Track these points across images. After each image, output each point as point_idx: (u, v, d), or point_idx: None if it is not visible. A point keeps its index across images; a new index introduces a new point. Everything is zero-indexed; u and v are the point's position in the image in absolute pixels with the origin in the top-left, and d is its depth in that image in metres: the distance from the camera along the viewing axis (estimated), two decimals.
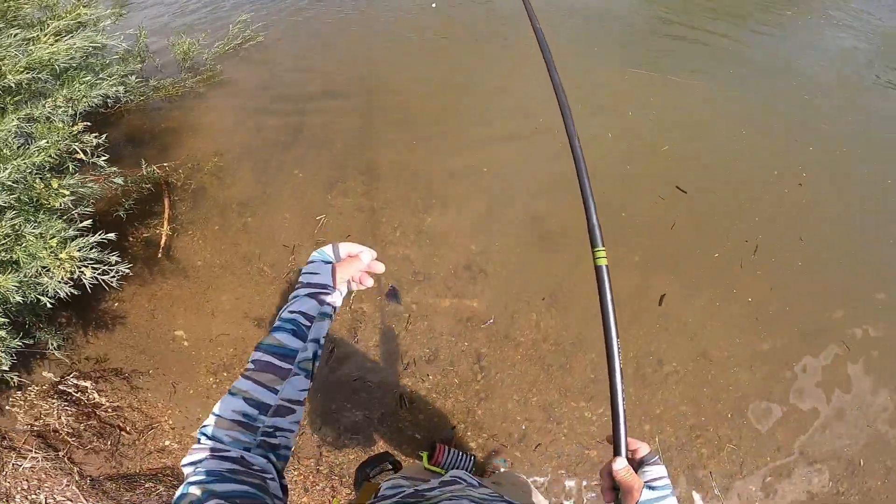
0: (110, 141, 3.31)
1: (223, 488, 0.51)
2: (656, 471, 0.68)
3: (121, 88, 2.46)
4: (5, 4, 2.19)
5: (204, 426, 0.61)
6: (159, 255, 2.69)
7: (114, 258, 1.99)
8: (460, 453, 1.24)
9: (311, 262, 0.78)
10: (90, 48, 2.27)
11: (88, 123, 2.20)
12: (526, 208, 3.08)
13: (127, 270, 2.02)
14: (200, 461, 0.56)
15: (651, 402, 2.46)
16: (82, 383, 2.27)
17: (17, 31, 2.01)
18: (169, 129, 3.52)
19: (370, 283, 0.81)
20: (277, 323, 0.70)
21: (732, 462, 2.36)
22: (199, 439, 0.61)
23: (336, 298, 0.76)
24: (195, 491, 0.50)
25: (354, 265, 0.78)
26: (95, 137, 2.12)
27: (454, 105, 3.88)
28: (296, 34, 4.94)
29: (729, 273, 2.95)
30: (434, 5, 5.58)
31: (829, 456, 2.43)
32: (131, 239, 2.77)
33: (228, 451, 0.58)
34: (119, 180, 2.27)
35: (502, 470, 2.23)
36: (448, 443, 2.18)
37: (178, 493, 0.52)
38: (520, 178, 3.26)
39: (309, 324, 0.70)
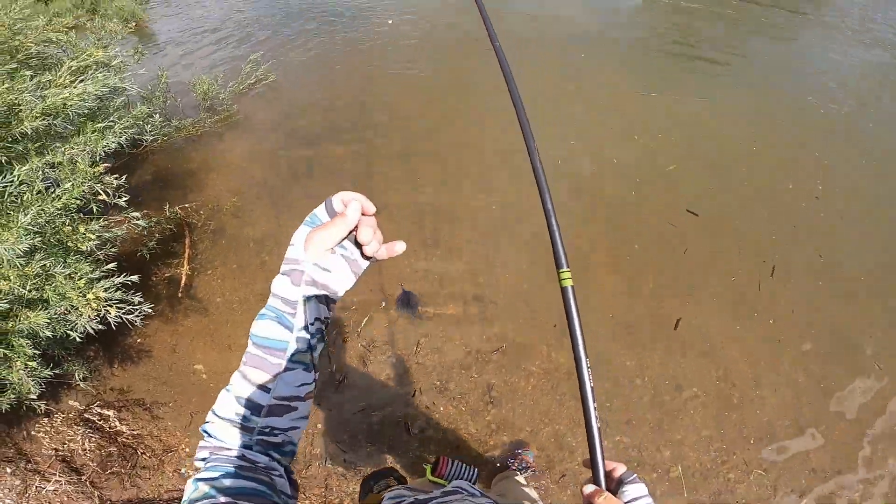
0: (137, 181, 3.58)
1: (231, 484, 0.51)
2: (635, 490, 0.66)
3: (132, 131, 2.52)
4: (15, 41, 2.29)
5: (206, 422, 0.59)
6: (180, 294, 2.81)
7: (137, 298, 2.08)
8: (464, 465, 1.23)
9: (304, 224, 0.64)
10: (103, 92, 2.33)
11: (108, 165, 2.32)
12: (532, 239, 3.10)
13: (149, 310, 2.11)
14: (207, 458, 0.56)
15: (671, 428, 2.39)
16: (106, 412, 2.37)
17: (29, 72, 2.10)
18: (190, 170, 3.71)
19: (398, 249, 0.68)
20: (264, 308, 0.61)
21: (763, 487, 2.26)
22: (203, 436, 0.58)
23: (315, 272, 0.60)
24: (203, 487, 0.50)
25: (336, 226, 0.60)
26: (116, 179, 2.23)
27: (459, 138, 3.96)
28: (304, 71, 5.22)
29: (747, 295, 2.89)
30: (391, 21, 5.83)
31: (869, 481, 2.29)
32: (154, 278, 2.90)
33: (230, 448, 0.56)
34: (142, 223, 2.39)
35: (531, 459, 2.19)
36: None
37: (187, 488, 0.51)
38: (523, 209, 3.29)
39: (291, 310, 0.59)
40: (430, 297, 2.81)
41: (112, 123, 2.35)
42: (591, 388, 0.68)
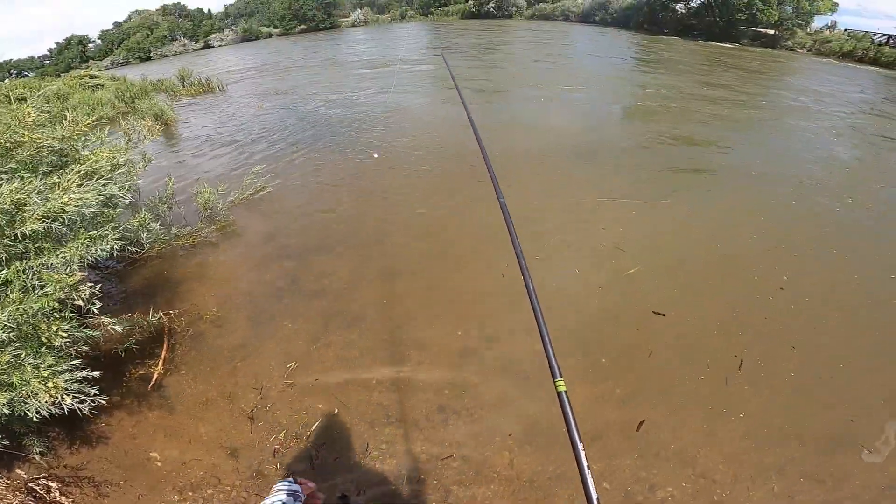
0: (133, 284, 3.80)
1: None
2: None
3: (129, 238, 2.67)
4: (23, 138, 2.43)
5: None
6: (150, 389, 2.90)
7: (93, 391, 2.19)
8: None
9: (284, 481, 1.15)
10: (100, 200, 2.48)
11: (85, 273, 2.49)
12: (502, 354, 3.20)
13: (103, 401, 2.21)
14: None
15: None
16: (50, 484, 2.40)
17: (29, 175, 2.28)
18: (182, 278, 3.97)
19: None
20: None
21: None
22: None
23: None
24: None
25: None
26: (90, 288, 2.33)
27: (439, 263, 4.18)
28: (301, 186, 5.72)
29: (717, 392, 2.91)
30: (376, 156, 6.45)
31: None
32: (129, 374, 3.01)
33: None
34: (118, 327, 2.52)
35: None
36: None
37: None
38: (495, 322, 3.43)
39: None
40: (395, 408, 2.85)
41: (105, 233, 2.53)
42: (590, 471, 0.80)
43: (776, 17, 20.03)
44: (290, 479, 1.16)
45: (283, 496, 1.08)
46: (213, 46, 30.43)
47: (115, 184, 2.73)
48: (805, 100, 10.68)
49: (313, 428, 2.70)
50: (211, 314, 3.52)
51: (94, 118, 3.56)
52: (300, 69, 14.90)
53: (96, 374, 2.23)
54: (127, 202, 2.98)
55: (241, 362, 3.13)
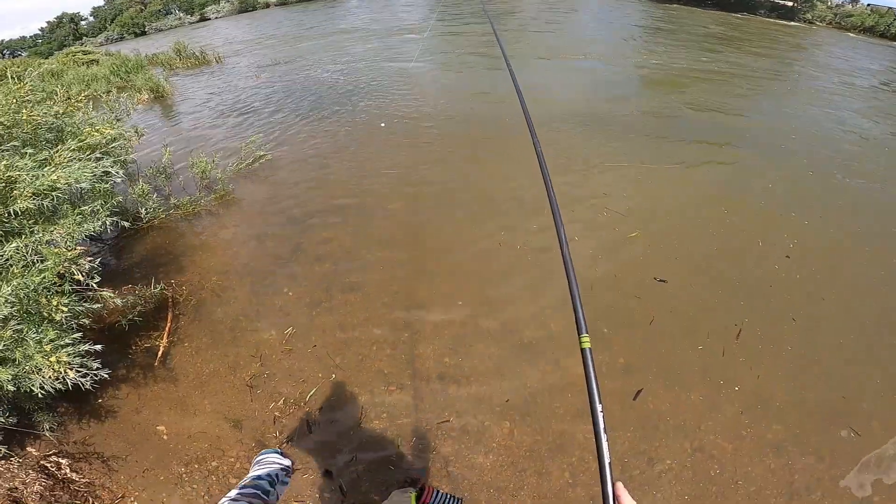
0: (133, 257, 3.80)
1: None
2: None
3: (107, 221, 2.56)
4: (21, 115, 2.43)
5: None
6: (156, 363, 2.90)
7: (95, 364, 2.19)
8: (449, 496, 1.18)
9: (273, 453, 1.13)
10: (92, 176, 2.42)
11: (84, 248, 2.45)
12: (505, 319, 3.20)
13: (105, 375, 2.21)
14: None
15: (643, 502, 2.28)
16: (61, 461, 2.44)
17: (31, 150, 2.25)
18: (182, 248, 3.94)
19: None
20: (257, 477, 1.03)
21: None
22: None
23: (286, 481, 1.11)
24: None
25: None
26: (89, 262, 2.33)
27: (443, 223, 4.19)
28: (302, 154, 5.61)
29: (715, 363, 2.88)
30: (382, 125, 6.32)
31: None
32: (134, 347, 3.01)
33: None
34: (118, 300, 2.51)
35: None
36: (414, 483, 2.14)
37: None
38: (501, 288, 3.42)
39: (274, 485, 1.05)
40: (396, 375, 2.86)
41: (97, 209, 2.51)
42: (605, 434, 0.77)
43: None
44: (279, 450, 1.16)
45: (277, 468, 1.09)
46: (209, 19, 29.57)
47: (110, 157, 2.68)
48: (821, 75, 10.35)
49: (311, 394, 2.72)
50: (212, 283, 3.51)
51: (87, 93, 3.51)
52: (299, 39, 14.49)
53: (98, 347, 2.22)
54: (120, 178, 2.92)
55: (242, 332, 3.14)
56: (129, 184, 4.27)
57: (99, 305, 2.41)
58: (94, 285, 2.26)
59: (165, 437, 2.57)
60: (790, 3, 20.08)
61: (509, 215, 4.27)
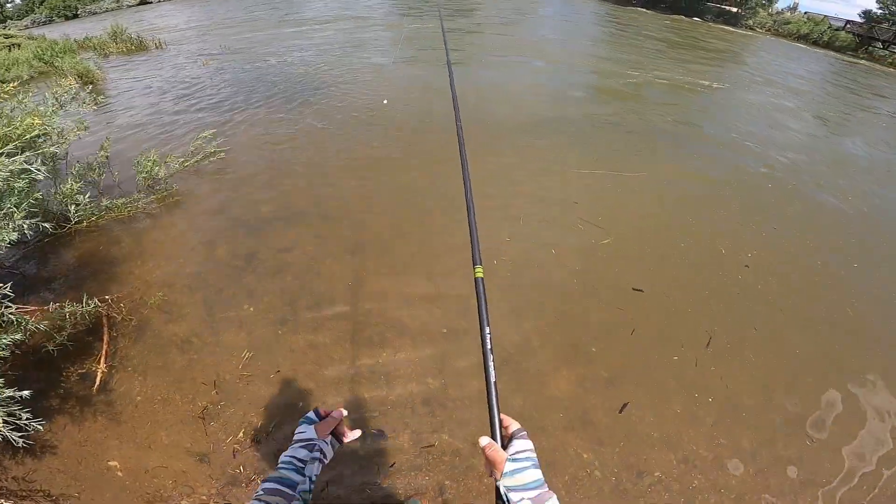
0: (57, 266, 3.28)
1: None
2: (520, 444, 0.80)
3: (24, 225, 2.27)
4: None
5: None
6: (94, 391, 2.51)
7: (25, 415, 1.84)
8: None
9: (301, 424, 1.00)
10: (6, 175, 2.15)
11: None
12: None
13: (40, 427, 1.89)
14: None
15: None
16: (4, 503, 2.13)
17: None
18: (117, 256, 3.44)
19: (354, 435, 1.03)
20: (279, 465, 0.91)
21: None
22: None
23: (323, 446, 0.96)
24: None
25: (329, 421, 1.00)
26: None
27: (409, 230, 3.94)
28: (258, 152, 5.14)
29: (690, 372, 2.95)
30: (385, 102, 6.10)
31: None
32: (65, 373, 2.59)
33: None
34: (40, 326, 2.12)
35: None
36: None
37: None
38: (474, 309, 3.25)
39: (303, 465, 0.91)
40: (377, 403, 2.63)
41: (10, 212, 2.14)
42: (493, 359, 0.85)
43: None
44: (312, 414, 1.03)
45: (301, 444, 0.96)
46: (151, 2, 27.49)
47: (30, 152, 2.29)
48: (759, 78, 10.98)
49: (274, 424, 2.45)
50: (157, 299, 3.08)
51: (13, 81, 3.05)
52: (251, 26, 13.66)
53: (25, 393, 1.91)
54: (43, 176, 2.49)
55: (196, 354, 2.78)
56: (54, 181, 3.70)
57: (17, 337, 2.02)
58: (8, 311, 1.88)
59: (120, 473, 2.24)
60: (735, 10, 21.30)
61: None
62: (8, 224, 2.06)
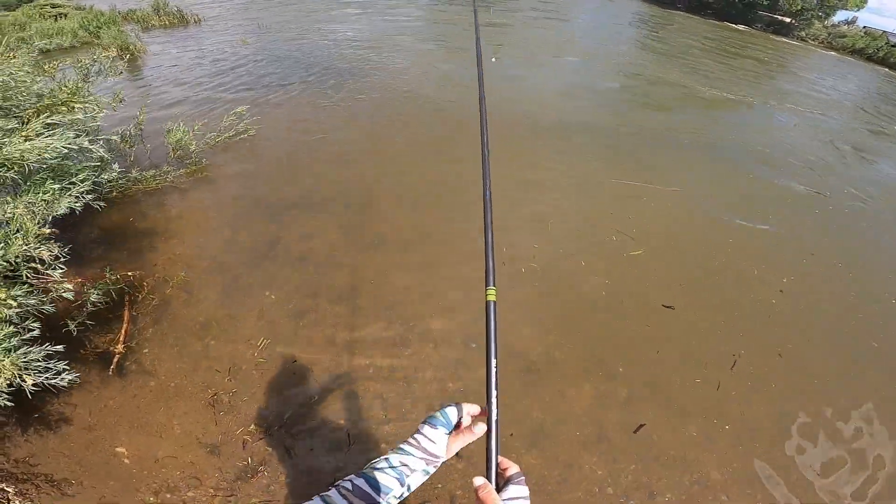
0: (83, 237, 3.30)
1: None
2: (515, 490, 0.74)
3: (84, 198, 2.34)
4: None
5: None
6: (110, 372, 2.50)
7: (61, 365, 1.91)
8: None
9: (436, 423, 0.85)
10: (68, 150, 2.20)
11: (56, 231, 2.12)
12: (510, 343, 2.97)
13: (75, 378, 1.95)
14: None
15: None
16: (7, 488, 2.08)
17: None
18: (143, 230, 3.45)
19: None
20: (385, 465, 0.80)
21: None
22: None
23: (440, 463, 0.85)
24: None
25: (467, 438, 0.85)
26: (58, 247, 2.05)
27: (433, 229, 3.85)
28: (288, 134, 5.12)
29: (710, 397, 2.87)
30: (493, 60, 5.83)
31: None
32: (84, 350, 2.59)
33: None
34: (69, 295, 2.14)
35: None
36: None
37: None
38: (505, 303, 3.17)
39: (410, 474, 0.80)
40: (395, 402, 2.60)
41: (69, 186, 2.21)
42: (497, 394, 0.78)
43: (799, 6, 19.43)
44: (445, 412, 0.87)
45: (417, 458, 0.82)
46: None
47: (86, 129, 2.33)
48: (806, 93, 10.43)
49: (288, 416, 2.42)
50: (179, 278, 3.07)
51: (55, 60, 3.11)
52: (290, 4, 13.65)
53: (59, 347, 1.95)
54: (97, 155, 2.52)
55: (213, 340, 2.75)
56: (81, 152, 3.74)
57: (48, 300, 2.04)
58: (58, 275, 1.91)
59: (127, 460, 2.22)
60: (787, 20, 20.34)
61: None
62: (65, 198, 2.08)
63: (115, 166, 3.65)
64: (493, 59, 6.07)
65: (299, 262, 3.35)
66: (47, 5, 12.18)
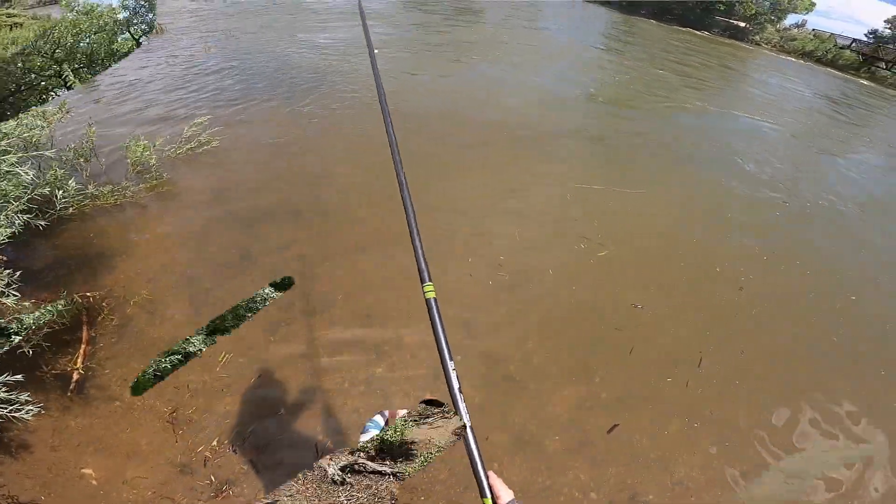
0: (36, 257, 3.11)
1: None
2: None
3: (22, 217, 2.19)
4: None
5: None
6: (70, 393, 2.37)
7: (24, 397, 1.82)
8: None
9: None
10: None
11: (3, 258, 1.98)
12: (484, 349, 2.96)
13: (39, 409, 1.88)
14: None
15: None
16: None
17: None
18: (101, 248, 3.28)
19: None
20: None
21: None
22: None
23: None
24: None
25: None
26: (8, 274, 1.90)
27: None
28: (254, 143, 4.97)
29: (681, 396, 2.93)
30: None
31: None
32: (41, 372, 2.44)
33: None
34: (30, 319, 2.00)
35: None
36: None
37: None
38: (479, 313, 3.19)
39: None
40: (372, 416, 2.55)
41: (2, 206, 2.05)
42: (461, 394, 0.76)
43: (753, 11, 20.39)
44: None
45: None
46: None
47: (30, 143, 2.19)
48: (762, 96, 10.90)
49: (250, 430, 2.34)
50: (141, 297, 2.93)
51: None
52: (255, 13, 13.40)
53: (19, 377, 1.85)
54: (30, 178, 2.37)
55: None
56: (37, 165, 3.52)
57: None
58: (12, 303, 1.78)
59: (94, 481, 2.12)
60: (742, 25, 21.29)
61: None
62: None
63: (72, 182, 3.48)
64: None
65: (272, 274, 3.25)
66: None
